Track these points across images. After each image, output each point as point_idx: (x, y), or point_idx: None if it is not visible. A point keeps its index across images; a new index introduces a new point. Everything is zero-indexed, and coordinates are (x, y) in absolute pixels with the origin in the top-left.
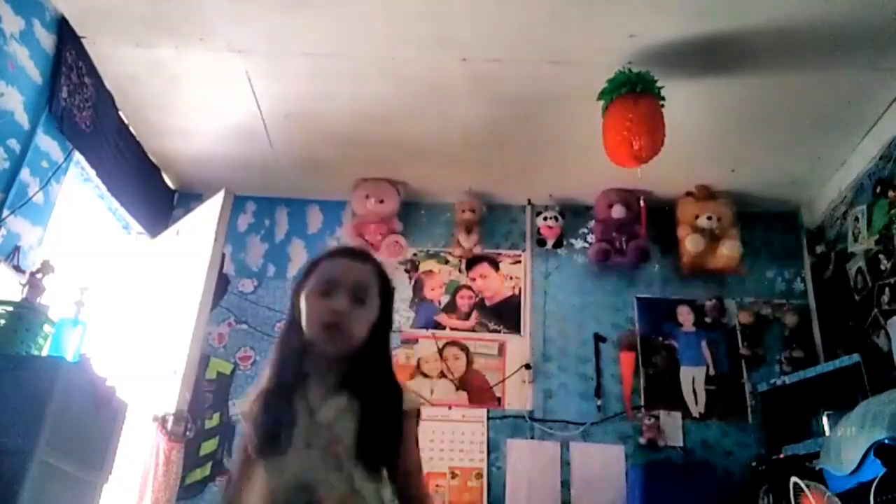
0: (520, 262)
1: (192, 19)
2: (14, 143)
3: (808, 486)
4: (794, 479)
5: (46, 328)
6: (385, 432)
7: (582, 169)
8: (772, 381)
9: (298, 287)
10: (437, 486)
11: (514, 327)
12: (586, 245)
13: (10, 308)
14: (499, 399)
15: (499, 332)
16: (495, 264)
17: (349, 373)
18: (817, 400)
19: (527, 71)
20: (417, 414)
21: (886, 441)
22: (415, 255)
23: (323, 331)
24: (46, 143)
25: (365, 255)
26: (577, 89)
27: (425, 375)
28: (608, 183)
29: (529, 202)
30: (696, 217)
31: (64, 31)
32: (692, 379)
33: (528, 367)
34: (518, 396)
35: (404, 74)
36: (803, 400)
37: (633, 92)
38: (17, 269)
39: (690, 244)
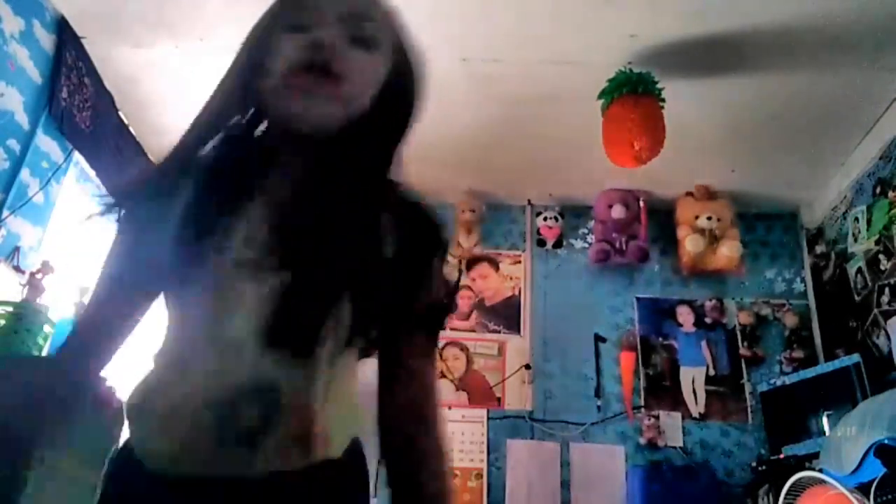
0: (520, 262)
1: (192, 19)
2: (14, 144)
3: (818, 481)
4: (802, 473)
5: (46, 328)
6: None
7: (582, 169)
8: (772, 381)
9: (267, 24)
10: None
11: (514, 327)
12: (586, 245)
13: (10, 308)
14: (499, 399)
15: (498, 332)
16: (495, 264)
17: (329, 163)
18: (817, 400)
19: (527, 71)
20: (454, 288)
21: (886, 441)
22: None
23: (298, 75)
24: (46, 143)
25: None
26: (577, 89)
27: None
28: (608, 183)
29: (529, 202)
30: (696, 217)
31: (64, 32)
32: (692, 379)
33: (527, 367)
34: (518, 396)
35: None
36: (803, 400)
37: (633, 92)
38: (17, 269)
39: (690, 244)
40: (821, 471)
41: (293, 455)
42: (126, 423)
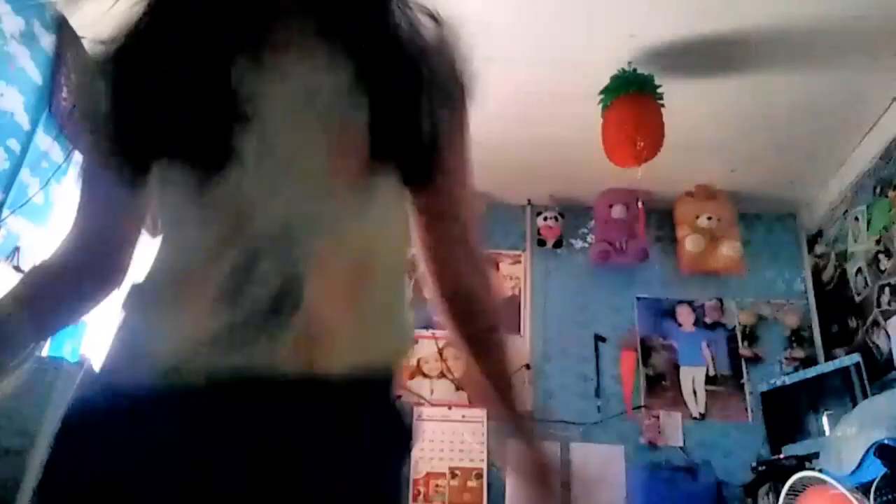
0: (520, 262)
1: None
2: (14, 143)
3: (828, 479)
4: (801, 473)
5: None
6: (415, 113)
7: (582, 169)
8: (772, 381)
9: None
10: (437, 486)
11: (514, 327)
12: (586, 245)
13: None
14: None
15: None
16: (495, 264)
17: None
18: (817, 400)
19: (527, 71)
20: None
21: (886, 441)
22: (415, 255)
23: None
24: (46, 143)
25: None
26: (577, 89)
27: (425, 375)
28: (608, 183)
29: (529, 202)
30: (696, 217)
31: (64, 31)
32: (692, 379)
33: (528, 367)
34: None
35: None
36: (803, 400)
37: (633, 92)
38: (18, 269)
39: (690, 244)
40: (820, 471)
41: (320, 351)
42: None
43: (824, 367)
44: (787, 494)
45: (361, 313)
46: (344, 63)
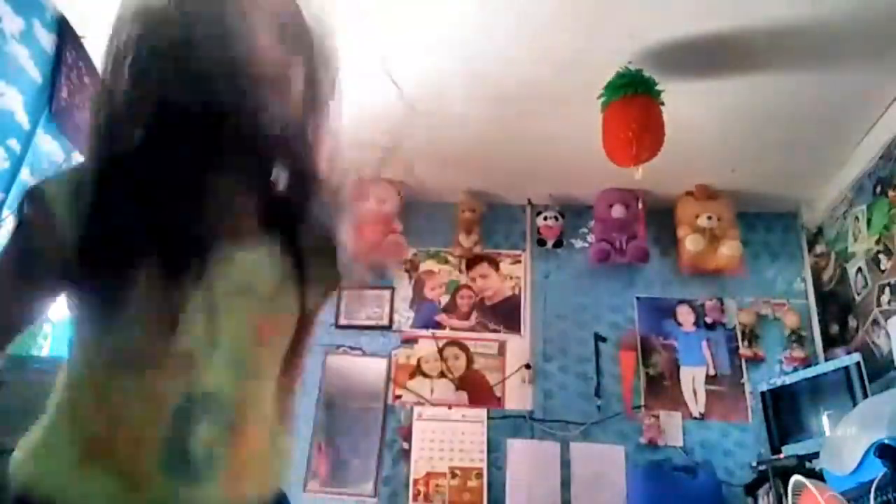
0: (520, 261)
1: None
2: (14, 143)
3: (811, 484)
4: (795, 476)
5: (46, 328)
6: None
7: (582, 169)
8: (772, 381)
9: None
10: (437, 486)
11: (514, 327)
12: (586, 245)
13: None
14: (499, 399)
15: (499, 331)
16: (495, 264)
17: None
18: (817, 400)
19: (527, 71)
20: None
21: (886, 441)
22: (415, 254)
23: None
24: (46, 143)
25: None
26: (577, 89)
27: (425, 375)
28: (608, 183)
29: (529, 202)
30: (696, 217)
31: (64, 31)
32: (692, 379)
33: (528, 366)
34: (518, 396)
35: (405, 74)
36: (803, 400)
37: (633, 92)
38: None
39: (690, 244)
40: (821, 471)
41: (244, 492)
42: (19, 466)
43: (824, 366)
44: (792, 495)
45: (266, 454)
46: (282, 257)
